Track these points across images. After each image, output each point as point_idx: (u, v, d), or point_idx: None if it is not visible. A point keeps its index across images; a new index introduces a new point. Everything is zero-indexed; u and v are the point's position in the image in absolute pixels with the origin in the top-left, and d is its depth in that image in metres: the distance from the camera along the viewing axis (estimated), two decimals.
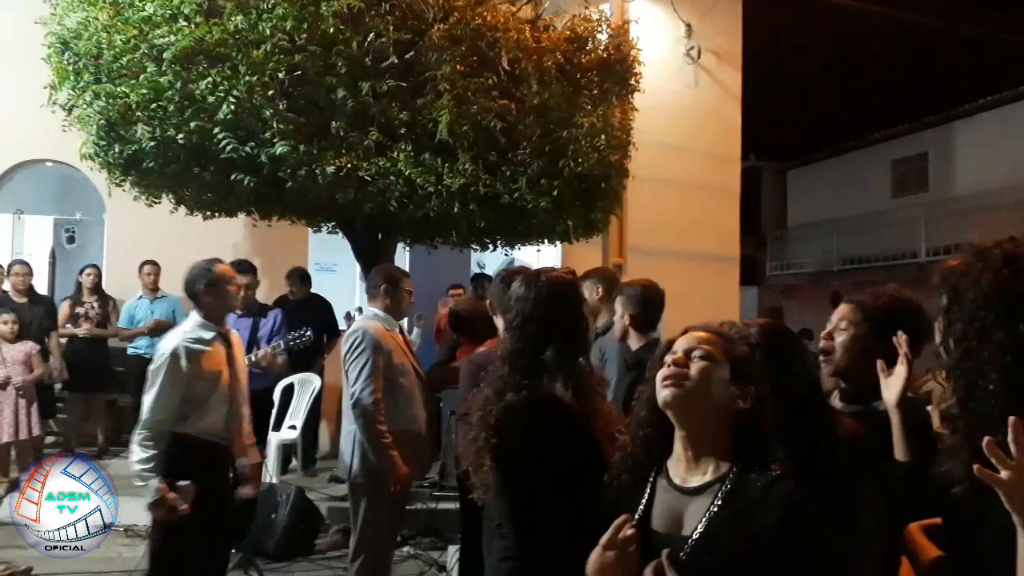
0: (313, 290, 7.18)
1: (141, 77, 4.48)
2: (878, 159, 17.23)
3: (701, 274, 8.30)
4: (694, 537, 1.47)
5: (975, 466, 1.20)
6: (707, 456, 1.54)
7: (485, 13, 4.91)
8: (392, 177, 4.60)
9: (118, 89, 4.55)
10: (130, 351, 6.89)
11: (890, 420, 1.91)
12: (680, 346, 1.58)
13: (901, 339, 1.92)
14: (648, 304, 3.48)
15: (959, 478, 1.38)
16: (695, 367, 1.53)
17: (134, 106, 4.50)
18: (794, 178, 19.99)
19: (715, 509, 1.48)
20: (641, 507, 1.57)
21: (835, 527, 1.57)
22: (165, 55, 4.45)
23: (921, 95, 16.18)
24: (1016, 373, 1.37)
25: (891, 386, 1.89)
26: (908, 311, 2.18)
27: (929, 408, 2.03)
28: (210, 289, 3.43)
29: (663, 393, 1.53)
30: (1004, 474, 1.16)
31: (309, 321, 5.46)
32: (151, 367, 3.34)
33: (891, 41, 15.22)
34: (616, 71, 5.57)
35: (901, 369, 1.87)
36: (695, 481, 1.54)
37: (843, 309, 2.22)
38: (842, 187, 17.85)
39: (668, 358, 1.56)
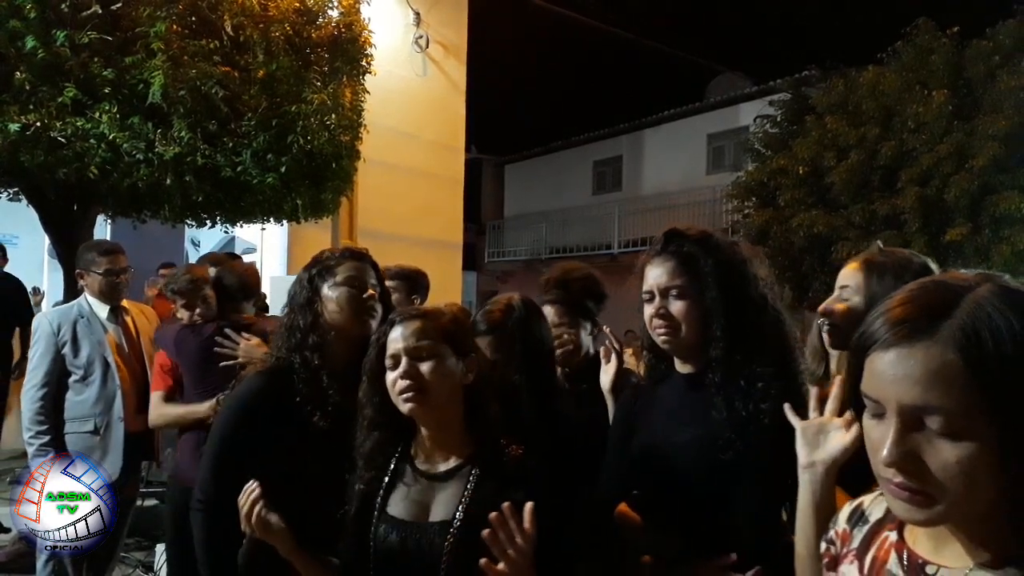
0: None
1: None
2: (583, 159, 19.07)
3: (427, 259, 8.38)
4: (456, 524, 1.48)
5: (786, 404, 1.39)
6: (450, 438, 1.57)
7: None
8: (93, 140, 4.10)
9: None
10: None
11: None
12: (400, 347, 1.56)
13: (608, 333, 2.20)
14: (415, 287, 3.53)
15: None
16: (426, 368, 1.53)
17: None
18: (511, 172, 21.35)
19: (468, 495, 1.50)
20: (381, 492, 1.57)
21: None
22: None
23: (618, 103, 18.25)
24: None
25: (607, 372, 2.14)
26: (589, 285, 2.47)
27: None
28: None
29: (405, 406, 1.53)
30: (813, 416, 1.36)
31: None
32: None
33: (596, 51, 16.93)
34: (347, 50, 5.49)
35: (614, 360, 2.13)
36: (442, 466, 1.56)
37: (550, 311, 2.38)
38: (552, 182, 19.48)
39: (399, 369, 1.54)
